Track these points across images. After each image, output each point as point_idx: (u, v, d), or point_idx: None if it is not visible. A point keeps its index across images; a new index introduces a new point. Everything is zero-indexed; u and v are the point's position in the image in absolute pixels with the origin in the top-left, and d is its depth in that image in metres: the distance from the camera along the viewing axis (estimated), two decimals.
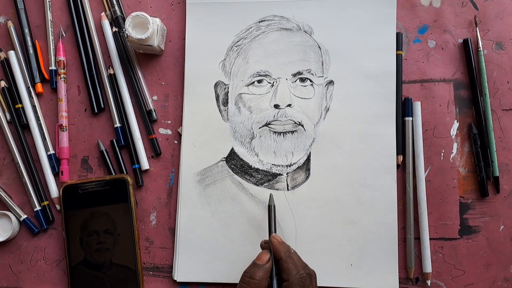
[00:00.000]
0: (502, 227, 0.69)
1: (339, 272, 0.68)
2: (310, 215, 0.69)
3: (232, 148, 0.71)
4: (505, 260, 0.68)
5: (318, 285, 0.67)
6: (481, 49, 0.71)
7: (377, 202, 0.69)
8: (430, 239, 0.68)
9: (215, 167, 0.71)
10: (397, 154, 0.69)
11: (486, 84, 0.70)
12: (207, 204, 0.71)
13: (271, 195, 0.66)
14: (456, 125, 0.71)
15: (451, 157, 0.70)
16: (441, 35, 0.73)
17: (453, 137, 0.70)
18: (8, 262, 0.73)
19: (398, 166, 0.69)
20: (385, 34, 0.72)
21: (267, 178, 0.71)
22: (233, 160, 0.71)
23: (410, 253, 0.68)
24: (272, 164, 0.70)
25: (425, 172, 0.70)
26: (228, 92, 0.72)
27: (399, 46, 0.72)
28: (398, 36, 0.72)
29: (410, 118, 0.70)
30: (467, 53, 0.71)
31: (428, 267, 0.67)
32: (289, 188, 0.70)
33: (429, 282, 0.67)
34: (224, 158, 0.71)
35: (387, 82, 0.71)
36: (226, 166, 0.71)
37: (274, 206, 0.65)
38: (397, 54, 0.71)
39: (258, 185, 0.70)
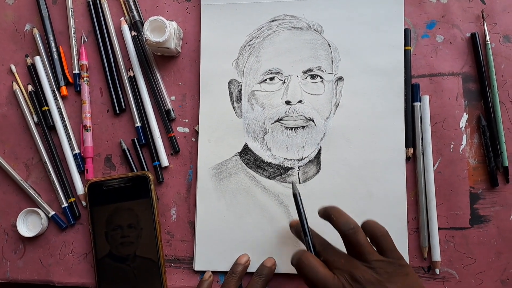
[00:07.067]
0: None
1: None
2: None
3: (246, 143, 0.73)
4: None
5: None
6: (489, 42, 0.71)
7: (386, 194, 0.69)
8: (441, 228, 0.69)
9: (229, 162, 0.73)
10: (407, 147, 0.70)
11: (494, 76, 0.70)
12: (223, 197, 0.72)
13: (293, 183, 0.65)
14: (465, 117, 0.71)
15: (461, 148, 0.70)
16: (449, 29, 0.73)
17: (463, 129, 0.71)
18: (39, 256, 0.76)
19: (409, 158, 0.70)
20: (393, 31, 0.72)
21: (279, 172, 0.72)
22: (246, 154, 0.72)
23: (424, 233, 0.68)
24: (284, 158, 0.71)
25: (435, 163, 0.70)
26: (241, 89, 0.73)
27: (407, 42, 0.72)
28: (406, 32, 0.72)
29: (419, 103, 0.71)
30: (475, 46, 0.71)
31: (437, 256, 0.68)
32: (300, 181, 0.71)
33: (437, 271, 0.68)
34: (238, 153, 0.73)
35: (396, 77, 0.71)
36: (240, 160, 0.72)
37: (299, 193, 0.63)
38: (405, 50, 0.72)
39: (270, 179, 0.71)
